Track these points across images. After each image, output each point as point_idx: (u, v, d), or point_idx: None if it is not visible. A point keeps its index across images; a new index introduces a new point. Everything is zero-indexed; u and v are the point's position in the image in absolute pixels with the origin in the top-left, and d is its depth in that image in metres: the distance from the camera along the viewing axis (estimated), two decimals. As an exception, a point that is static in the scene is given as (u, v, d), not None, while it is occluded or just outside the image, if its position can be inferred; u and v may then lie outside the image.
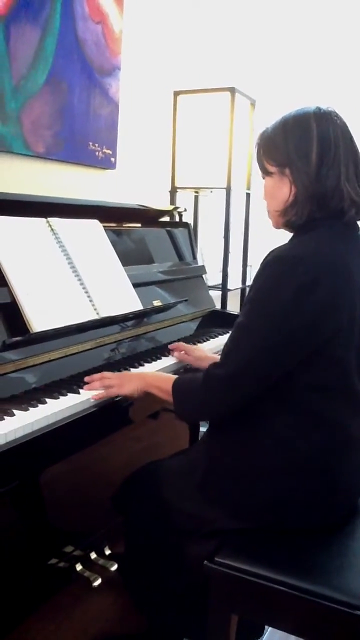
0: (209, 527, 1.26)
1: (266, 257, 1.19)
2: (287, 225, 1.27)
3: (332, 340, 1.16)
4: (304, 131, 1.19)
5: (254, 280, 1.20)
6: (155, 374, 1.44)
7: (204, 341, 1.96)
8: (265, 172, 1.28)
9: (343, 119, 1.22)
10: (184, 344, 1.77)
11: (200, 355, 1.70)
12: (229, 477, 1.25)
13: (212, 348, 1.90)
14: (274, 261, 1.16)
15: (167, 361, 1.69)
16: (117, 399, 1.39)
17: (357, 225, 1.26)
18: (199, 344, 1.90)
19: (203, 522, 1.27)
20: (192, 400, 1.28)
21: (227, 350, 1.23)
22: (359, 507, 1.31)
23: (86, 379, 1.40)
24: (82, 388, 1.37)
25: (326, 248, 1.16)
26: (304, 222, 1.22)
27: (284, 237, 1.29)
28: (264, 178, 1.30)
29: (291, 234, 1.29)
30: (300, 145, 1.19)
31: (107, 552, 1.77)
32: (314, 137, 1.18)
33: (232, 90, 2.59)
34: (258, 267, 1.22)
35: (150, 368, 1.61)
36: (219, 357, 1.29)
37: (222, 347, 1.44)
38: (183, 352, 1.72)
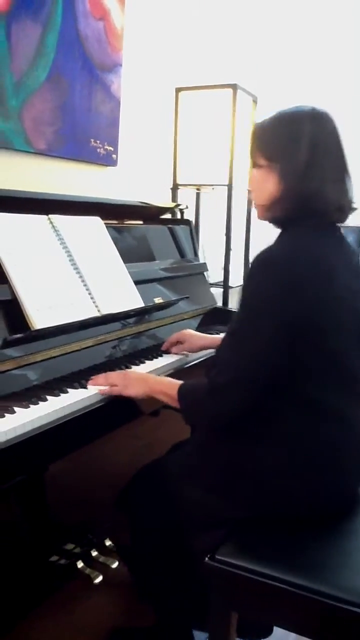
0: (216, 516, 1.27)
1: (253, 260, 1.21)
2: (272, 220, 1.29)
3: (327, 336, 1.18)
4: (297, 130, 1.21)
5: (243, 285, 1.23)
6: (159, 379, 1.43)
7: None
8: (255, 164, 1.29)
9: (335, 122, 1.24)
10: (171, 337, 1.77)
11: (191, 337, 1.73)
12: (234, 468, 1.26)
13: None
14: (258, 265, 1.19)
15: (168, 359, 1.69)
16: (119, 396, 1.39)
17: (339, 226, 1.29)
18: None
19: (209, 513, 1.28)
20: (199, 409, 1.29)
21: (225, 358, 1.24)
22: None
23: (90, 383, 1.39)
24: (83, 386, 1.37)
25: (308, 248, 1.19)
26: (288, 219, 1.24)
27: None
28: (254, 169, 1.31)
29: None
30: (291, 144, 1.21)
31: (108, 549, 1.77)
32: (305, 138, 1.20)
33: (234, 87, 2.59)
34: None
35: (152, 366, 1.61)
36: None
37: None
38: (177, 343, 1.74)
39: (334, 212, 1.23)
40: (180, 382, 1.34)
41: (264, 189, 1.27)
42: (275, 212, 1.26)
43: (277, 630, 1.61)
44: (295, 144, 1.20)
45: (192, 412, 1.31)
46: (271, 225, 1.34)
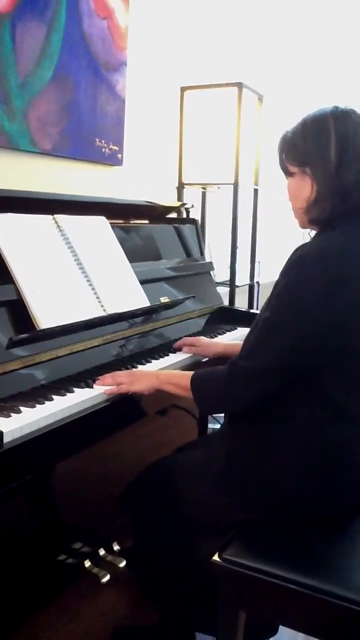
0: (224, 519, 1.27)
1: (293, 254, 1.20)
2: (313, 223, 1.29)
3: (357, 336, 1.18)
4: (322, 130, 1.22)
5: (280, 277, 1.22)
6: (169, 372, 1.45)
7: (212, 338, 1.95)
8: (288, 173, 1.30)
9: None
10: (187, 338, 1.79)
11: (206, 344, 1.74)
12: (249, 470, 1.26)
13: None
14: (303, 258, 1.18)
15: (175, 358, 1.69)
16: (126, 395, 1.39)
17: None
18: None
19: (219, 514, 1.28)
20: (215, 393, 1.29)
21: (253, 344, 1.24)
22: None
23: (97, 382, 1.39)
24: (89, 385, 1.37)
25: (353, 243, 1.18)
26: (328, 217, 1.24)
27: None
28: (287, 179, 1.32)
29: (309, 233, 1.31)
30: (319, 144, 1.21)
31: (116, 548, 1.76)
32: (332, 135, 1.21)
33: (240, 86, 2.58)
34: (280, 263, 1.22)
35: (158, 365, 1.61)
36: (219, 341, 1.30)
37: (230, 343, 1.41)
38: (190, 345, 1.74)
39: None
40: (191, 372, 1.34)
41: (300, 195, 1.27)
42: (313, 213, 1.26)
43: (284, 630, 1.61)
44: (323, 143, 1.21)
45: (207, 399, 1.31)
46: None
